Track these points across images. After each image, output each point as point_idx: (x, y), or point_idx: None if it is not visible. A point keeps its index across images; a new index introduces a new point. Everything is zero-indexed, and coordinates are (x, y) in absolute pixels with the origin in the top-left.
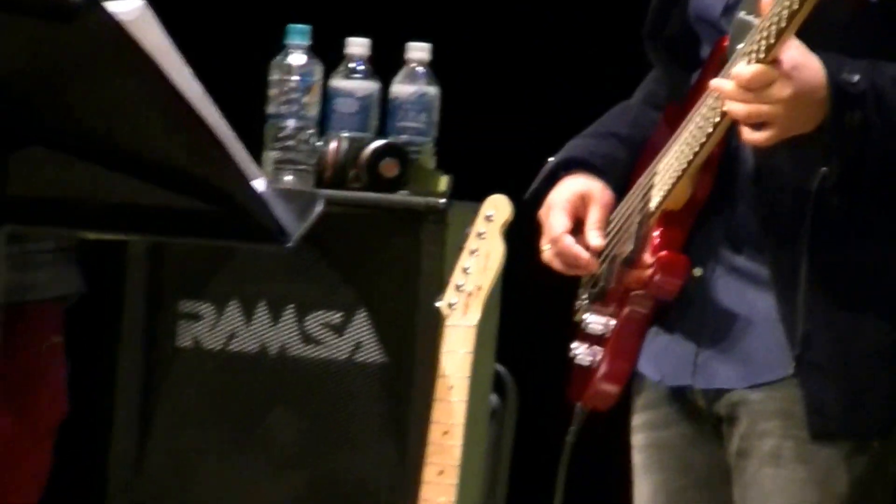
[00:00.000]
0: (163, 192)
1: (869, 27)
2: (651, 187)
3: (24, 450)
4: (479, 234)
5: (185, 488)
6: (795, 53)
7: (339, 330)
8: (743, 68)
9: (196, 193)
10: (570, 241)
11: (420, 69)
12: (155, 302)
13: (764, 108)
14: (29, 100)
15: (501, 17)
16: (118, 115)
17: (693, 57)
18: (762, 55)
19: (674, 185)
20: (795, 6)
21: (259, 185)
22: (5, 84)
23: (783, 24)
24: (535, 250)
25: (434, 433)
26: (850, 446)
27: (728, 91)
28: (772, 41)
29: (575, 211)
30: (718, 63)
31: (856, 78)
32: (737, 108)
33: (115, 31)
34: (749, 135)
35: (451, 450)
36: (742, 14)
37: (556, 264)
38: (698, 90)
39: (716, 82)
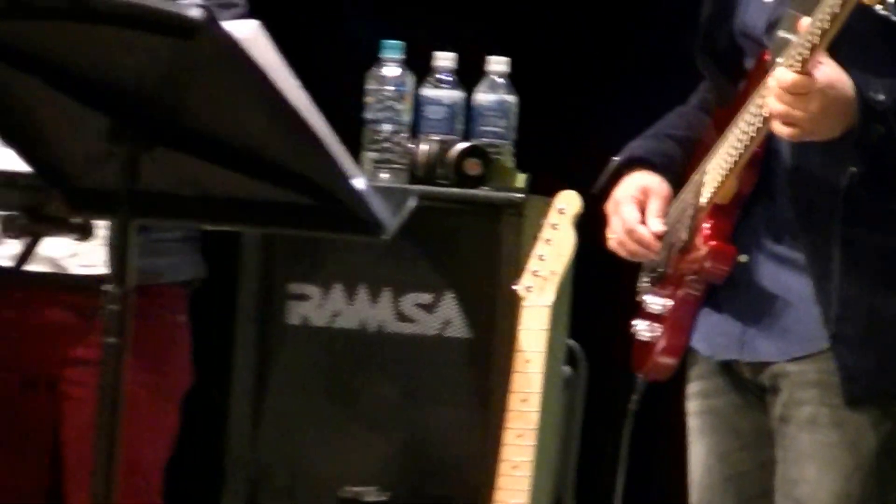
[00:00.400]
0: (273, 188)
1: (888, 44)
2: (702, 183)
3: (154, 412)
4: (553, 225)
5: (295, 449)
6: (830, 71)
7: (429, 309)
8: (786, 73)
9: (303, 190)
10: (643, 230)
11: (499, 79)
12: (267, 284)
13: (797, 112)
14: (156, 106)
15: (568, 33)
16: (234, 121)
17: (738, 68)
18: (798, 67)
19: (722, 181)
20: (826, 26)
21: (359, 182)
22: (136, 92)
23: (816, 41)
24: (602, 239)
25: (513, 401)
26: (878, 412)
27: (770, 90)
28: (807, 55)
29: (639, 202)
30: (761, 74)
31: (881, 97)
32: (775, 106)
33: (232, 47)
34: (780, 129)
35: (528, 416)
36: (782, 32)
37: (622, 251)
38: (743, 97)
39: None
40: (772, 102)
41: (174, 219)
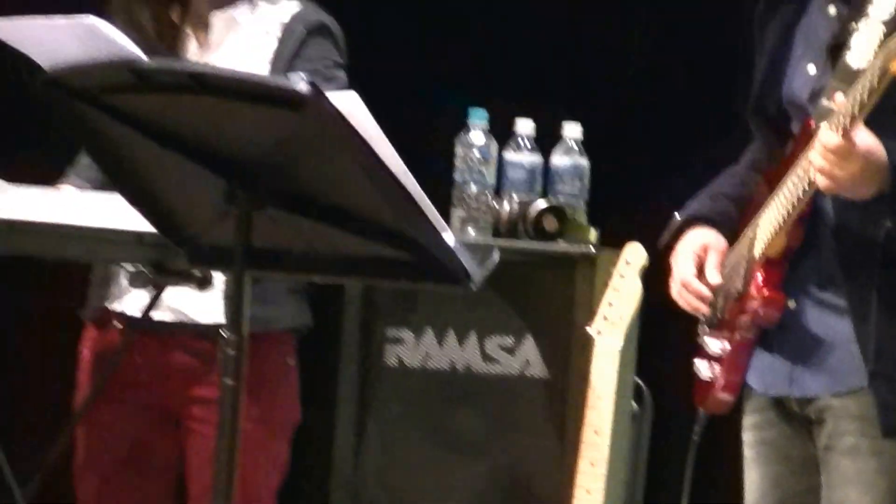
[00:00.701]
0: (373, 244)
1: None
2: (755, 238)
3: (267, 445)
4: (621, 275)
5: (394, 477)
6: (868, 139)
7: (511, 351)
8: (831, 136)
9: (399, 245)
10: (698, 284)
11: (573, 144)
12: (367, 329)
13: (838, 172)
14: (268, 170)
15: (633, 102)
16: (338, 183)
17: (786, 131)
18: (841, 133)
19: (773, 236)
20: (865, 98)
21: (448, 238)
22: (249, 158)
23: (856, 111)
24: (667, 287)
25: (587, 433)
26: None
27: (816, 149)
28: (847, 122)
29: (698, 258)
30: (806, 138)
31: None
32: (819, 163)
33: (335, 117)
34: (821, 181)
35: (600, 446)
36: (825, 101)
37: (682, 302)
38: (790, 159)
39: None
40: (816, 159)
41: (284, 272)
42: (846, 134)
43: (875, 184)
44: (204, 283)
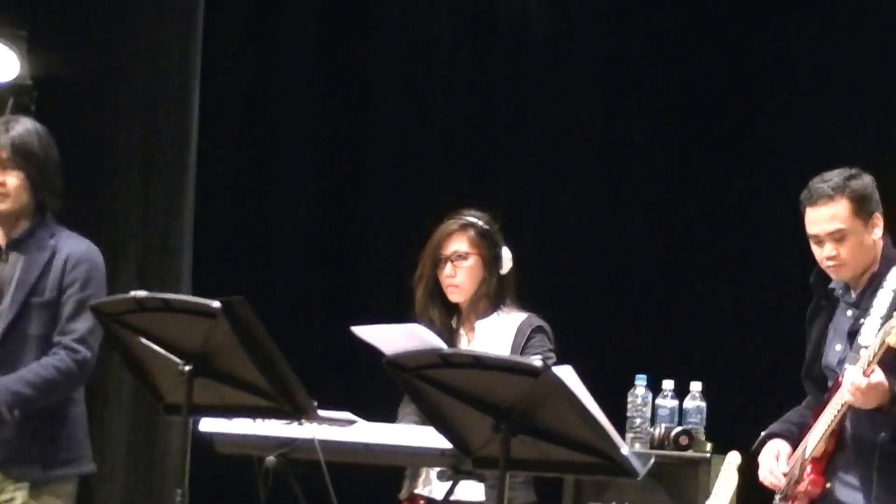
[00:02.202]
0: (582, 454)
1: None
2: (807, 446)
3: None
4: (726, 471)
5: None
6: (879, 376)
7: None
8: (858, 376)
9: (597, 454)
10: (777, 471)
11: (697, 394)
12: (577, 500)
13: (859, 397)
14: (518, 413)
15: (742, 339)
16: (561, 420)
17: (824, 387)
18: (862, 373)
19: (816, 444)
20: (871, 358)
21: (624, 450)
22: (506, 405)
23: (868, 363)
24: (755, 477)
25: None
26: None
27: (846, 381)
28: (866, 368)
29: (774, 457)
30: (836, 388)
31: None
32: (849, 395)
33: (559, 382)
34: (849, 398)
35: None
36: (847, 365)
37: (767, 482)
38: (827, 400)
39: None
40: (848, 389)
41: (529, 470)
42: (865, 373)
43: (880, 403)
44: (482, 478)
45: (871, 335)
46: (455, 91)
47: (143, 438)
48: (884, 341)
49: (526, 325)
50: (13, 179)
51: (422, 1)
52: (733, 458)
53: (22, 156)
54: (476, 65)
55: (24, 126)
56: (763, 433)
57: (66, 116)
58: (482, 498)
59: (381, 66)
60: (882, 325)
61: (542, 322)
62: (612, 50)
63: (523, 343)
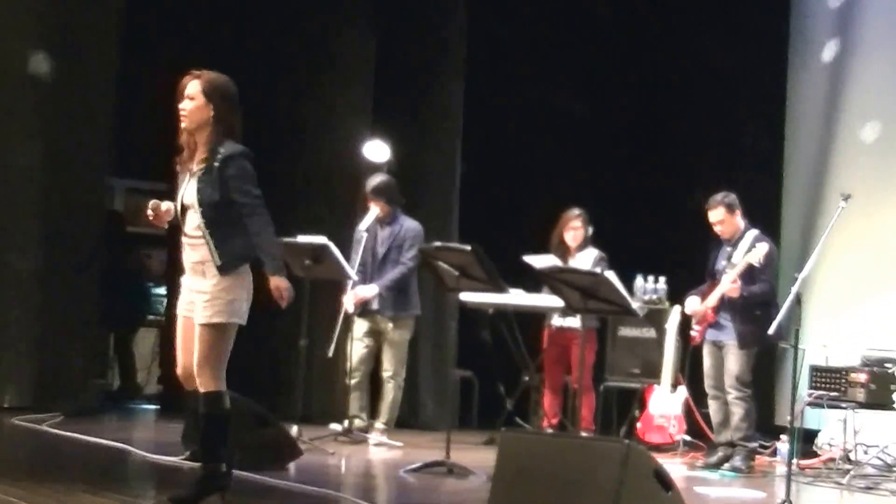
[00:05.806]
0: (612, 306)
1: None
2: (707, 302)
3: None
4: (673, 315)
5: None
6: (739, 281)
7: None
8: (730, 280)
9: (620, 307)
10: (696, 309)
11: (662, 281)
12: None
13: (730, 289)
14: None
15: None
16: (610, 294)
17: (715, 279)
18: (731, 280)
19: (711, 303)
20: (739, 271)
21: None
22: None
23: (735, 274)
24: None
25: None
26: None
27: (722, 284)
28: (733, 276)
29: (696, 302)
30: (720, 282)
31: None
32: (725, 288)
33: (607, 279)
34: (725, 291)
35: None
36: (727, 271)
37: (689, 312)
38: (715, 285)
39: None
40: (724, 287)
41: (598, 314)
42: (735, 280)
43: (737, 293)
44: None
45: (738, 259)
46: None
47: None
48: (747, 262)
49: (598, 257)
50: None
51: None
52: (677, 308)
53: None
54: None
55: None
56: (689, 293)
57: None
58: (578, 325)
59: None
60: (744, 255)
61: (603, 254)
62: None
63: (596, 265)
